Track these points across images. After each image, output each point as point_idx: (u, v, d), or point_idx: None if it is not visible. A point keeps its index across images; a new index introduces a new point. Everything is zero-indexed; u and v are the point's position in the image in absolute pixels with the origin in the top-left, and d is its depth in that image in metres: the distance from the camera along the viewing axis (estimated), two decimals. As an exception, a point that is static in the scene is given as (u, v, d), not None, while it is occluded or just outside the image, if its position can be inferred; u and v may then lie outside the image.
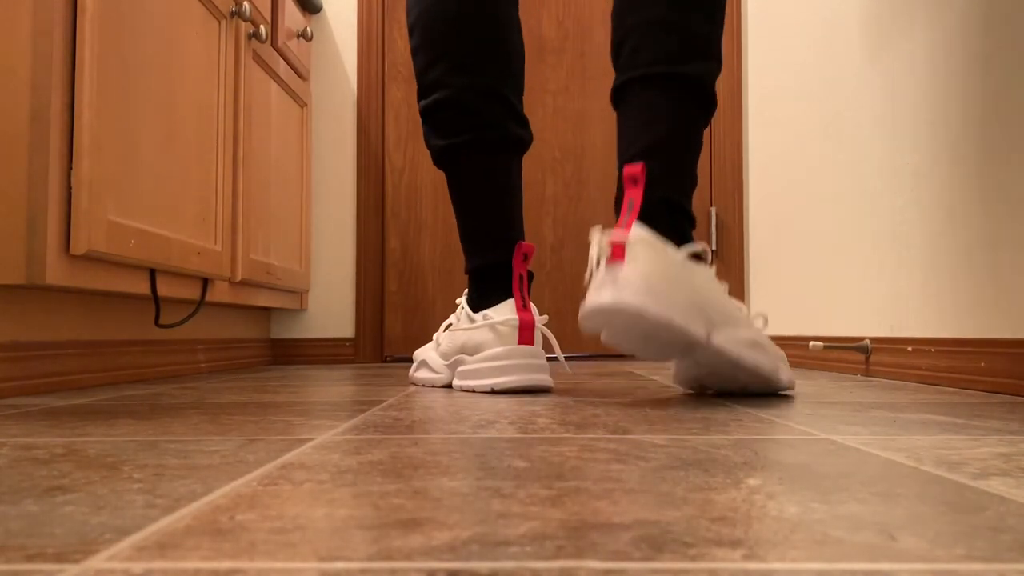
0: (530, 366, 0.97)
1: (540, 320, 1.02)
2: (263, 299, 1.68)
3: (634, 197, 0.91)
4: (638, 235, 0.85)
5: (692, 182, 0.97)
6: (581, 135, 2.11)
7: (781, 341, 1.77)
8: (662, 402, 0.87)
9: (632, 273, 0.82)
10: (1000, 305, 1.02)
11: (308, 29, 1.90)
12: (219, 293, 1.43)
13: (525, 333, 0.98)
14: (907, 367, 1.22)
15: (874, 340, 1.32)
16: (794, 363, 1.68)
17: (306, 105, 1.96)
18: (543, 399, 0.90)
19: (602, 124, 2.11)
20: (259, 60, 1.60)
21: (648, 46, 0.97)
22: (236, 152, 1.47)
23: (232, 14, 1.43)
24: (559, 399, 0.90)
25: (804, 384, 1.15)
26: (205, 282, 1.37)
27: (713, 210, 2.08)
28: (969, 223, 1.09)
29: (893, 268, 1.29)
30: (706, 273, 0.91)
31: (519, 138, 1.08)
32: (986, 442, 0.57)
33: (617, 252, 0.84)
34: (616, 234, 0.85)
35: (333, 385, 1.17)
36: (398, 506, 0.37)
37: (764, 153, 1.95)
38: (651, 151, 0.94)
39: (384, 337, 2.06)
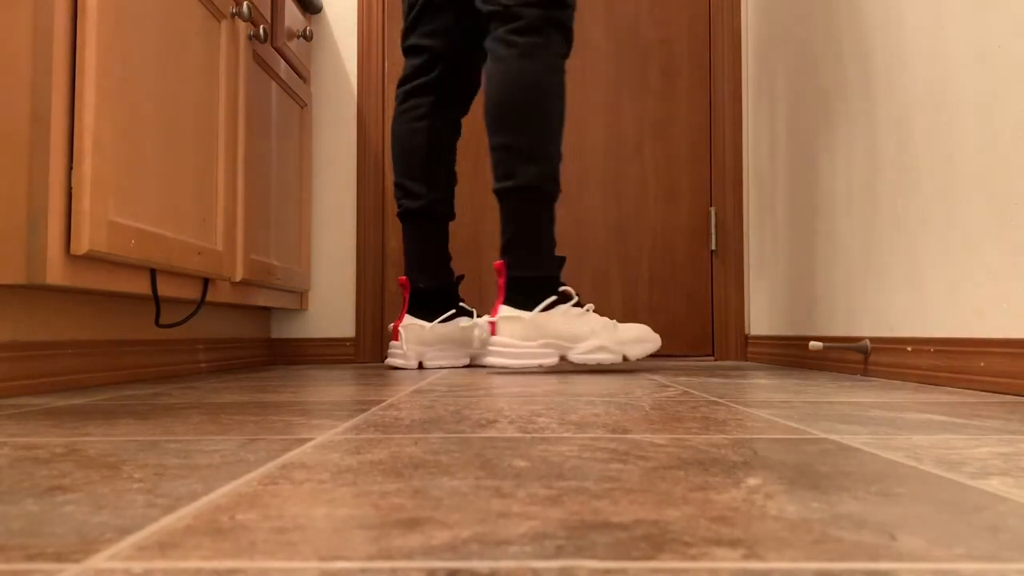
0: (392, 353, 1.69)
1: (410, 325, 1.66)
2: (263, 299, 1.68)
3: (500, 284, 1.48)
4: (502, 313, 1.45)
5: (547, 249, 1.47)
6: (581, 135, 2.11)
7: (781, 341, 1.77)
8: (662, 402, 0.87)
9: (499, 341, 1.45)
10: (1000, 304, 1.02)
11: (308, 29, 1.90)
12: (219, 293, 1.43)
13: (395, 333, 1.69)
14: (907, 367, 1.22)
15: (873, 340, 1.32)
16: (794, 363, 1.68)
17: (306, 105, 1.96)
18: (543, 399, 0.90)
19: (602, 124, 2.11)
20: (259, 60, 1.60)
21: (496, 166, 1.49)
22: (236, 152, 1.47)
23: (232, 14, 1.43)
24: (559, 399, 0.90)
25: (804, 384, 1.15)
26: (205, 282, 1.37)
27: (713, 210, 2.08)
28: (969, 223, 1.09)
29: (893, 268, 1.29)
30: (559, 315, 1.45)
31: (405, 208, 1.72)
32: (986, 442, 0.57)
33: (492, 329, 1.47)
34: (491, 316, 1.47)
35: (333, 385, 1.17)
36: (398, 506, 0.37)
37: (764, 153, 1.95)
38: (506, 249, 1.48)
39: (384, 337, 2.06)
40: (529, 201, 1.47)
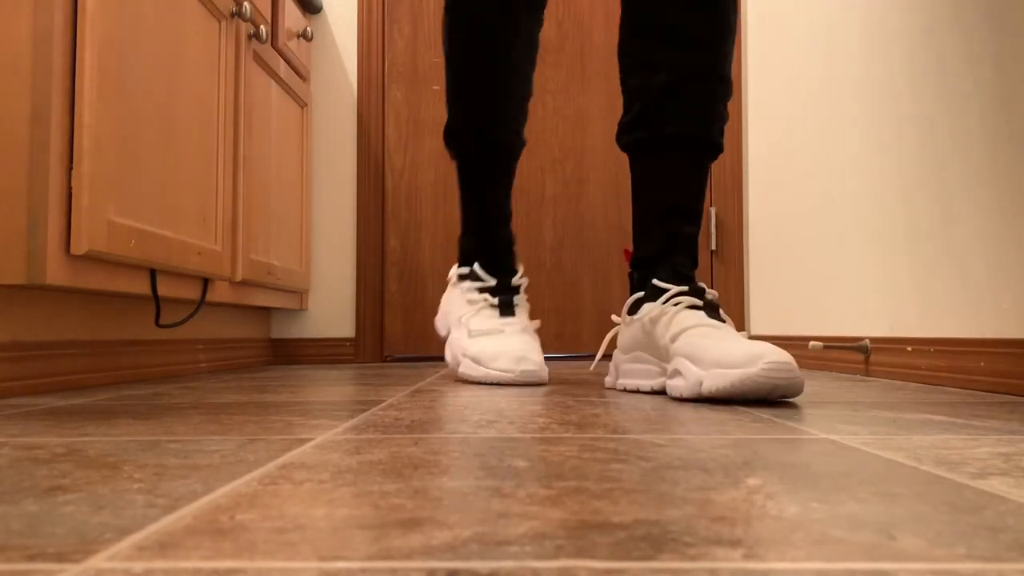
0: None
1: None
2: (263, 299, 1.68)
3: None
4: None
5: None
6: (581, 135, 2.11)
7: (781, 341, 1.77)
8: (662, 402, 0.87)
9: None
10: (1000, 304, 1.02)
11: (308, 29, 1.90)
12: (219, 293, 1.43)
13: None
14: (907, 367, 1.22)
15: (873, 340, 1.32)
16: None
17: (306, 105, 1.96)
18: (543, 399, 0.90)
19: (602, 123, 2.11)
20: (259, 60, 1.60)
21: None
22: (236, 152, 1.47)
23: (232, 14, 1.43)
24: (559, 399, 0.90)
25: (805, 384, 1.15)
26: (205, 282, 1.37)
27: (713, 210, 2.08)
28: (968, 223, 1.09)
29: (892, 268, 1.29)
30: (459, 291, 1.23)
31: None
32: (986, 442, 0.57)
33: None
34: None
35: (333, 385, 1.17)
36: (398, 506, 0.37)
37: (764, 153, 1.95)
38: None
39: (384, 337, 2.06)
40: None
